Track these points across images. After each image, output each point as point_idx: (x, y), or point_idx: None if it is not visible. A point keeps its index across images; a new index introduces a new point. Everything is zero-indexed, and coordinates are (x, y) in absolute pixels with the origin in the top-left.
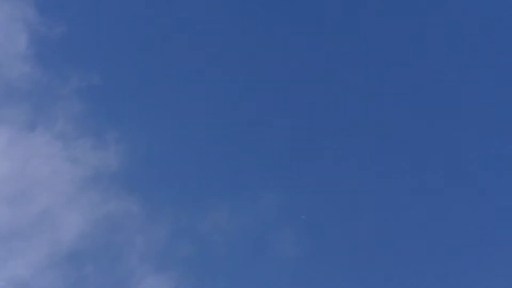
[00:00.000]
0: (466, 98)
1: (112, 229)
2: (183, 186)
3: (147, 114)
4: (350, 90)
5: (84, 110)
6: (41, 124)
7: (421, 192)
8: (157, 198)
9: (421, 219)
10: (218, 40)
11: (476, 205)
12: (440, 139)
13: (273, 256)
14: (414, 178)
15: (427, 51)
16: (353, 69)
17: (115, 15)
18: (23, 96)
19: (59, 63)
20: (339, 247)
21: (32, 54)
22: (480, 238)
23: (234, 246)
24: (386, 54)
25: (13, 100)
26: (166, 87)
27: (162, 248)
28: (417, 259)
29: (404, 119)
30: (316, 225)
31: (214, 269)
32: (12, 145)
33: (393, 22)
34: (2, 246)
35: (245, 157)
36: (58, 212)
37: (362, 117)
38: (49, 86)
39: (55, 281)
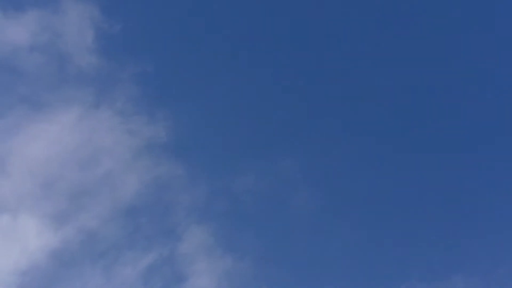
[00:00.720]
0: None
1: (161, 188)
2: (218, 153)
3: (190, 96)
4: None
5: (139, 91)
6: (104, 103)
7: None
8: (198, 163)
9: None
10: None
11: None
12: None
13: (293, 211)
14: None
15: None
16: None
17: (164, 13)
18: (90, 81)
19: (119, 54)
20: (351, 202)
21: (97, 47)
22: None
23: (260, 203)
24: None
25: (82, 83)
26: (203, 75)
27: (202, 204)
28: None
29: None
30: (330, 183)
31: (243, 222)
32: (82, 120)
33: None
34: (74, 202)
35: (268, 128)
36: (118, 175)
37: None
38: (110, 72)
39: (116, 230)
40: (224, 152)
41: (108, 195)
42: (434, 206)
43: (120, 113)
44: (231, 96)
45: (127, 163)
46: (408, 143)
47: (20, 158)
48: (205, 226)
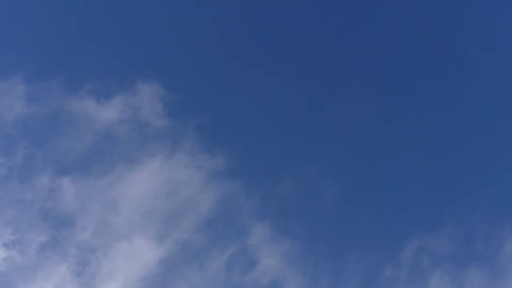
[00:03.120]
0: None
1: (228, 202)
2: (263, 170)
3: (237, 135)
4: None
5: (201, 138)
6: (177, 150)
7: None
8: (250, 180)
9: None
10: None
11: None
12: None
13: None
14: None
15: None
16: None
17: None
18: (165, 137)
19: (182, 114)
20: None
21: (165, 112)
22: None
23: (298, 200)
24: None
25: (160, 140)
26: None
27: (259, 207)
28: None
29: None
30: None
31: (290, 216)
32: (164, 164)
33: None
34: (168, 223)
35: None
36: (196, 198)
37: None
38: (178, 128)
39: (202, 236)
40: (266, 167)
41: (192, 213)
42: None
43: (189, 155)
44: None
45: (201, 188)
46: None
47: (126, 199)
48: (264, 222)
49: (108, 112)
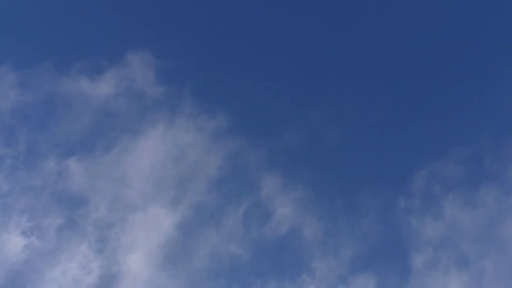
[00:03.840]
0: None
1: (235, 157)
2: (264, 125)
3: (234, 95)
4: None
5: (198, 99)
6: (177, 114)
7: None
8: (254, 134)
9: None
10: None
11: None
12: None
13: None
14: None
15: None
16: None
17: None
18: (163, 103)
19: (175, 80)
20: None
21: (159, 80)
22: None
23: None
24: None
25: (159, 107)
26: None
27: (267, 159)
28: None
29: None
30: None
31: (296, 166)
32: (166, 130)
33: None
34: (180, 188)
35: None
36: (203, 158)
37: None
38: (174, 93)
39: (215, 196)
40: (268, 119)
41: (201, 175)
42: None
43: (190, 118)
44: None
45: (206, 150)
46: None
47: (134, 171)
48: (273, 173)
49: (103, 88)
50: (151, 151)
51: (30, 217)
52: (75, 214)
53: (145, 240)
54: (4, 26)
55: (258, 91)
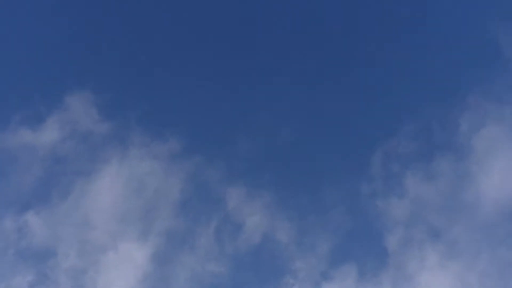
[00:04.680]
0: None
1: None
2: None
3: None
4: None
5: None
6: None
7: None
8: None
9: None
10: None
11: None
12: None
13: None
14: None
15: None
16: None
17: None
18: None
19: (119, 110)
20: None
21: (103, 116)
22: None
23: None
24: None
25: (106, 144)
26: None
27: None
28: None
29: None
30: None
31: None
32: (120, 166)
33: None
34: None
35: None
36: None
37: None
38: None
39: None
40: (219, 133)
41: (165, 202)
42: None
43: (142, 147)
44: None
45: (165, 175)
46: None
47: (96, 211)
48: (235, 185)
49: (47, 135)
50: (110, 188)
51: None
52: (45, 267)
53: (121, 278)
54: None
55: (203, 107)
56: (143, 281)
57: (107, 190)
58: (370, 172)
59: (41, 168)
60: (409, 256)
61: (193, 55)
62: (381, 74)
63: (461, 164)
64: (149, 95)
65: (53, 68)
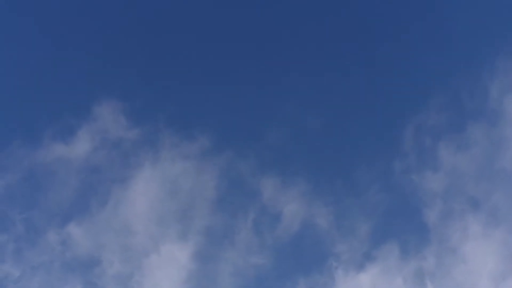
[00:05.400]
0: None
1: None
2: None
3: None
4: None
5: None
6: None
7: None
8: None
9: None
10: None
11: None
12: None
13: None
14: None
15: None
16: None
17: None
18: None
19: (147, 115)
20: None
21: (131, 122)
22: None
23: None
24: None
25: (137, 149)
26: None
27: None
28: None
29: None
30: None
31: None
32: (153, 170)
33: None
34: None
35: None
36: None
37: None
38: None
39: None
40: (247, 126)
41: (201, 200)
42: None
43: (173, 148)
44: None
45: (198, 173)
46: None
47: (135, 216)
48: (269, 175)
49: (80, 147)
50: (146, 192)
51: None
52: (92, 276)
53: (166, 279)
54: None
55: (228, 103)
56: (188, 280)
57: (144, 194)
58: (403, 148)
59: (78, 179)
60: (450, 228)
61: (214, 53)
62: (404, 48)
63: (495, 131)
64: (174, 97)
65: (78, 80)
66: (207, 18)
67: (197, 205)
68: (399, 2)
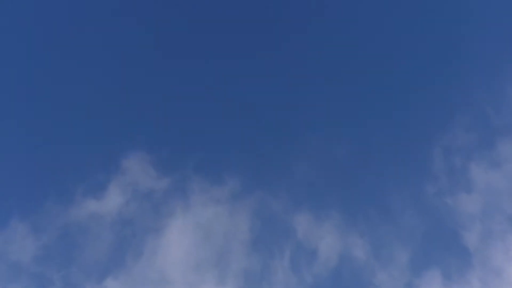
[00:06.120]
0: None
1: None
2: None
3: None
4: None
5: None
6: (192, 195)
7: None
8: None
9: None
10: None
11: None
12: None
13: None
14: None
15: None
16: None
17: None
18: (171, 191)
19: (174, 163)
20: None
21: (160, 171)
22: None
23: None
24: None
25: (168, 198)
26: None
27: None
28: None
29: None
30: None
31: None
32: (185, 217)
33: None
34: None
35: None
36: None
37: None
38: (179, 178)
39: None
40: (274, 164)
41: (236, 242)
42: None
43: (203, 193)
44: None
45: (231, 216)
46: None
47: (171, 265)
48: (301, 211)
49: (111, 202)
50: (180, 240)
51: None
52: None
53: None
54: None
55: (253, 143)
56: None
57: (178, 242)
58: (433, 170)
59: (112, 233)
60: (492, 250)
61: (233, 96)
62: (423, 67)
63: None
64: (200, 143)
65: (105, 135)
66: (224, 63)
67: (232, 248)
68: (419, 21)
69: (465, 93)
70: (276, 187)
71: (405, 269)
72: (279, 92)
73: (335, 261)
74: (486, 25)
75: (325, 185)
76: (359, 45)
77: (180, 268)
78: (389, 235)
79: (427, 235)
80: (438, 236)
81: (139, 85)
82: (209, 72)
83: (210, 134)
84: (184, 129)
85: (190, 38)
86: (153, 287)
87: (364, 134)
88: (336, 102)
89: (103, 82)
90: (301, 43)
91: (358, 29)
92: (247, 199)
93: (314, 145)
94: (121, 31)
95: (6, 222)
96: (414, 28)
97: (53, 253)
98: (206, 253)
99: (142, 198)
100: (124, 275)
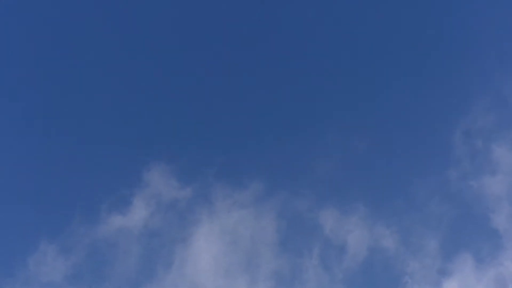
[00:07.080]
0: None
1: None
2: None
3: None
4: None
5: None
6: (216, 201)
7: None
8: None
9: None
10: None
11: None
12: None
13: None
14: None
15: None
16: None
17: None
18: (195, 199)
19: (195, 170)
20: None
21: (182, 181)
22: None
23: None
24: None
25: (192, 207)
26: None
27: None
28: None
29: None
30: None
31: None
32: (211, 224)
33: None
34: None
35: None
36: None
37: None
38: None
39: None
40: (294, 163)
41: (264, 246)
42: None
43: (226, 199)
44: None
45: (256, 220)
46: None
47: (201, 272)
48: (326, 207)
49: (137, 215)
50: (208, 247)
51: None
52: None
53: None
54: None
55: (273, 143)
56: None
57: (206, 249)
58: (455, 155)
59: (140, 246)
60: None
61: (250, 98)
62: (440, 52)
63: None
64: (219, 149)
65: (126, 150)
66: (237, 68)
67: (261, 250)
68: (437, 8)
69: (482, 75)
70: (299, 186)
71: (436, 255)
72: (294, 90)
73: (365, 254)
74: (505, 7)
75: (348, 179)
76: (373, 37)
77: (211, 275)
78: (416, 223)
79: (455, 220)
80: (466, 220)
81: (153, 97)
82: (222, 77)
83: (228, 138)
84: (202, 136)
85: (208, 47)
86: None
87: (382, 124)
88: (352, 94)
89: (119, 100)
90: (318, 39)
91: (376, 20)
92: (271, 200)
93: (334, 140)
94: (139, 38)
95: (36, 245)
96: (432, 12)
97: (83, 272)
98: (235, 257)
99: (167, 208)
100: (155, 287)
